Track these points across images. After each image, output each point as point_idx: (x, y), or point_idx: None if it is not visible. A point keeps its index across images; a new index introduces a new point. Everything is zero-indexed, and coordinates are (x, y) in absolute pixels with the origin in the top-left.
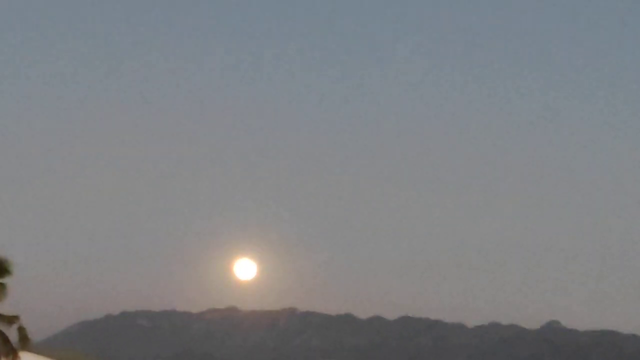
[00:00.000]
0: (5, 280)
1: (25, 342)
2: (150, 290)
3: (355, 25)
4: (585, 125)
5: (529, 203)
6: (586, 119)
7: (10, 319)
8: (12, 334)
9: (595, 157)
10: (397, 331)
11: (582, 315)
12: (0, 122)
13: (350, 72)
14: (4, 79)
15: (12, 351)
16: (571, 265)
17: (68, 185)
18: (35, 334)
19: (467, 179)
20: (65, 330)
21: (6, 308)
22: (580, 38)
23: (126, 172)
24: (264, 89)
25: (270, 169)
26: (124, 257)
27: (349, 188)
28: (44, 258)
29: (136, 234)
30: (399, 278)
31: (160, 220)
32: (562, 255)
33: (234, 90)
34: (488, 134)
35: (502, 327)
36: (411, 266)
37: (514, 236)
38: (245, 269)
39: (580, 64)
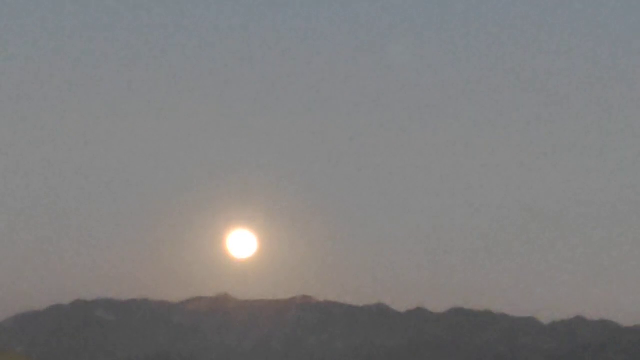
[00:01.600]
0: None
1: None
2: (114, 272)
3: None
4: None
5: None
6: None
7: None
8: None
9: None
10: (446, 328)
11: None
12: None
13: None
14: None
15: None
16: None
17: None
18: None
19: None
20: None
21: None
22: None
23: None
24: (263, 46)
25: (274, 113)
26: (76, 228)
27: (383, 139)
28: None
29: (93, 198)
30: (447, 258)
31: (127, 181)
32: None
33: (230, 46)
34: None
35: (589, 324)
36: (463, 243)
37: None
38: (241, 243)
39: None
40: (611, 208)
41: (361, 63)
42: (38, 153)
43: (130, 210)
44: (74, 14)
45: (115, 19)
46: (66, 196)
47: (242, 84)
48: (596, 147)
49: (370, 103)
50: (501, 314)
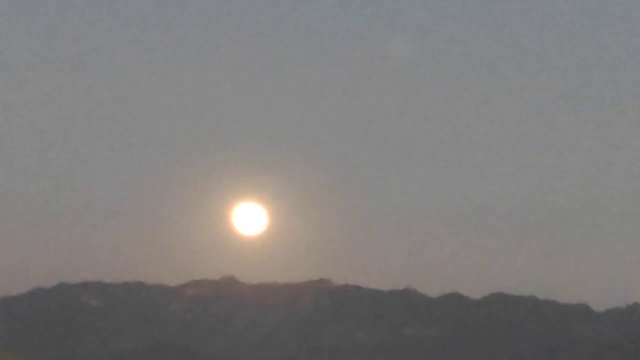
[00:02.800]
0: None
1: None
2: (103, 251)
3: None
4: None
5: None
6: None
7: None
8: None
9: None
10: (484, 316)
11: None
12: None
13: None
14: None
15: None
16: None
17: None
18: None
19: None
20: None
21: None
22: None
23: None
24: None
25: (285, 73)
26: (58, 200)
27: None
28: None
29: (77, 166)
30: (485, 237)
31: (117, 145)
32: None
33: (237, 10)
34: None
35: None
36: (506, 220)
37: None
38: (249, 218)
39: None
40: None
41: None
42: (15, 118)
43: (121, 180)
44: None
45: None
46: (46, 163)
47: (252, 44)
48: None
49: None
50: (548, 301)
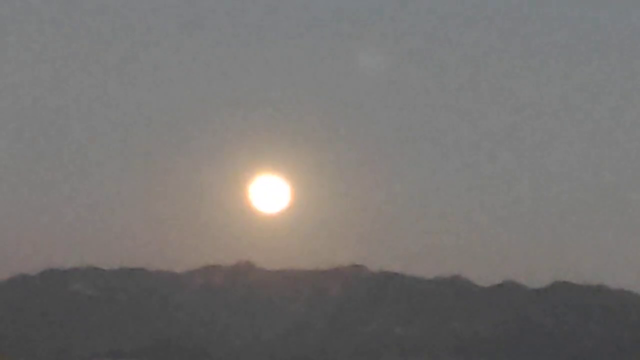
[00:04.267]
0: None
1: None
2: (97, 231)
3: None
4: None
5: None
6: None
7: None
8: None
9: None
10: (545, 308)
11: None
12: None
13: None
14: None
15: None
16: None
17: None
18: None
19: None
20: None
21: None
22: None
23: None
24: None
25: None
26: (46, 171)
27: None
28: None
29: (69, 130)
30: (543, 217)
31: (116, 108)
32: None
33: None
34: None
35: None
36: (571, 200)
37: None
38: (269, 193)
39: None
40: None
41: None
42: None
43: (120, 147)
44: None
45: None
46: (33, 126)
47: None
48: None
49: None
50: (620, 290)
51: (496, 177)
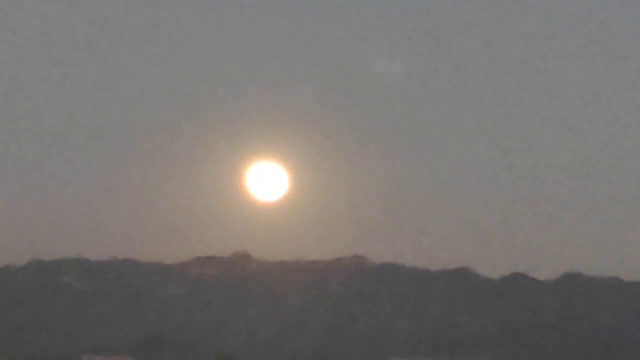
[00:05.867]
0: None
1: None
2: (88, 221)
3: None
4: None
5: None
6: None
7: None
8: None
9: None
10: (555, 301)
11: None
12: None
13: None
14: None
15: None
16: None
17: None
18: None
19: None
20: None
21: None
22: None
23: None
24: None
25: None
26: (34, 158)
27: None
28: None
29: (57, 116)
30: (554, 206)
31: (106, 90)
32: None
33: None
34: None
35: None
36: (578, 183)
37: None
38: (267, 181)
39: None
40: None
41: None
42: None
43: (111, 135)
44: None
45: None
46: (22, 119)
47: None
48: None
49: None
50: (634, 282)
51: (505, 166)
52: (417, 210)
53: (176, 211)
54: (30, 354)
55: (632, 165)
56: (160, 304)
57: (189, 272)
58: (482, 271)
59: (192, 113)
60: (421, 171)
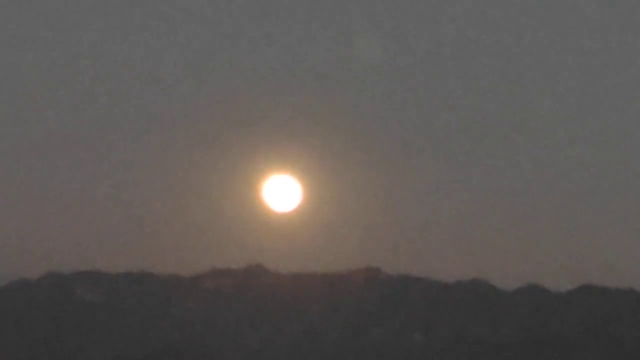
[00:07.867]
0: None
1: None
2: (102, 234)
3: None
4: None
5: None
6: None
7: None
8: None
9: None
10: (571, 313)
11: None
12: None
13: None
14: None
15: None
16: None
17: None
18: None
19: None
20: None
21: None
22: None
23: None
24: None
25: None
26: (48, 169)
27: None
28: None
29: (70, 125)
30: (570, 216)
31: (120, 97)
32: None
33: None
34: None
35: None
36: (593, 193)
37: None
38: (282, 193)
39: None
40: None
41: None
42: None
43: (126, 145)
44: None
45: None
46: (35, 124)
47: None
48: None
49: None
50: None
51: (520, 175)
52: (432, 220)
53: (191, 224)
54: None
55: None
56: (175, 317)
57: (204, 285)
58: (497, 283)
59: (206, 127)
60: (435, 181)
